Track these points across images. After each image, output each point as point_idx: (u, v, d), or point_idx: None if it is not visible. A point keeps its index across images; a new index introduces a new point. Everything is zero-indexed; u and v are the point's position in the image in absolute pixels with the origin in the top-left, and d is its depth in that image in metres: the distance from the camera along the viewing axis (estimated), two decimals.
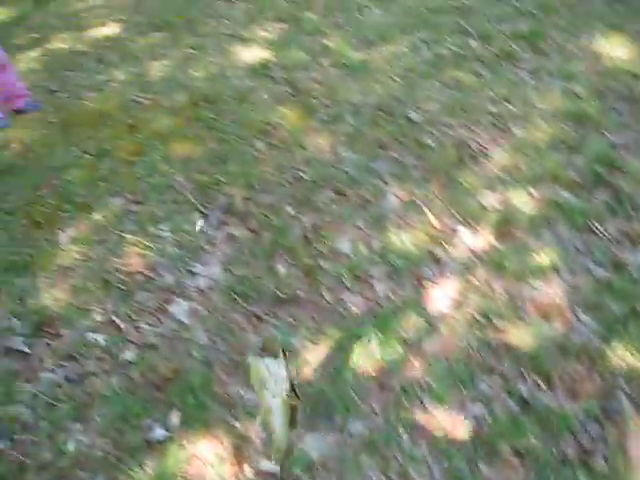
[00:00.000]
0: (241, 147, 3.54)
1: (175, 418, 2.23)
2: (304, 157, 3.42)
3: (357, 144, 3.49)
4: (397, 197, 3.10)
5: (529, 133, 3.49)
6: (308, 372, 2.34)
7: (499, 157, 3.32)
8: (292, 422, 1.57)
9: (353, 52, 4.48)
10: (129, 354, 2.48)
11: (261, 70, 4.35)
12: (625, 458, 2.02)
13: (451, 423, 2.16)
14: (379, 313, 2.53)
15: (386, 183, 3.19)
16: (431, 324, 2.49)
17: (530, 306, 2.53)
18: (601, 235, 2.82)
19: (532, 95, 3.82)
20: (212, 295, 2.69)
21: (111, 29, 5.48)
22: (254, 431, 2.14)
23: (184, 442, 2.15)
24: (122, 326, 2.59)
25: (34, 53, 5.27)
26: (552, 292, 2.58)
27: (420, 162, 3.31)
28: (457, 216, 2.96)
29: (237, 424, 2.18)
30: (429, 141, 3.44)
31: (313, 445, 2.11)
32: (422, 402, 2.23)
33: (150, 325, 2.59)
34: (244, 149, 3.52)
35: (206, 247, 2.92)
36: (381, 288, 2.64)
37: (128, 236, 3.01)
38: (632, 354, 2.31)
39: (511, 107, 3.71)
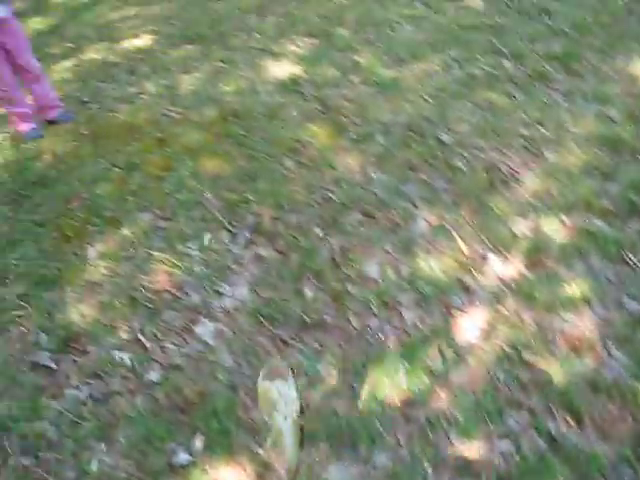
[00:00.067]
0: (270, 165, 3.54)
1: (199, 442, 2.22)
2: (333, 177, 3.41)
3: (387, 165, 3.46)
4: (426, 221, 3.07)
5: (562, 158, 3.43)
6: (333, 400, 2.31)
7: (531, 182, 3.27)
8: (302, 442, 1.56)
9: (384, 69, 4.46)
10: (154, 374, 2.48)
11: (291, 86, 4.36)
12: None
13: (477, 459, 2.12)
14: (406, 342, 2.50)
15: (416, 206, 3.16)
16: (459, 354, 2.45)
17: (560, 339, 2.48)
18: (635, 267, 2.75)
19: (565, 118, 3.76)
20: (238, 316, 2.68)
21: (143, 40, 5.54)
22: (278, 459, 2.12)
23: (207, 467, 2.14)
24: (148, 345, 2.59)
25: (68, 63, 5.35)
26: (583, 325, 2.52)
27: (450, 185, 3.28)
28: (487, 243, 2.92)
29: (260, 451, 2.16)
30: (460, 164, 3.40)
31: (337, 476, 2.08)
32: (448, 435, 2.19)
33: (176, 345, 2.59)
34: (273, 167, 3.52)
35: (233, 267, 2.92)
36: (409, 316, 2.60)
37: (156, 253, 3.02)
38: None
39: (544, 130, 3.65)
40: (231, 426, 2.24)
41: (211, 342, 2.59)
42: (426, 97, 4.05)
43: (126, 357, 2.56)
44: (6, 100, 4.11)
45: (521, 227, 3.00)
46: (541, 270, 2.77)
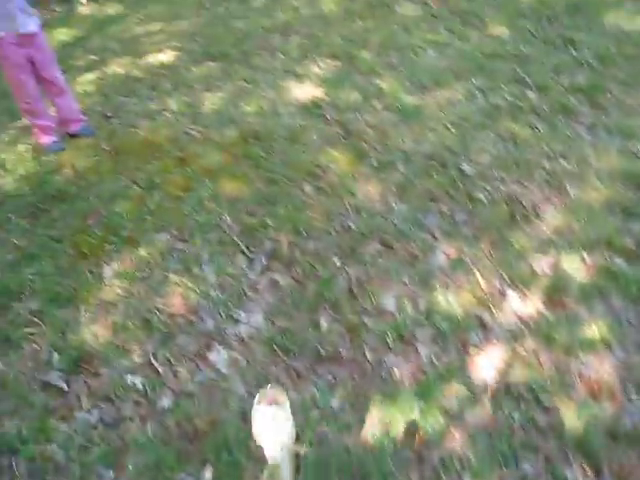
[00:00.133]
0: (289, 189, 3.53)
1: (208, 474, 2.19)
2: (353, 205, 3.38)
3: (407, 195, 3.44)
4: (445, 254, 3.04)
5: (584, 193, 3.40)
6: (345, 435, 2.28)
7: (552, 217, 3.23)
8: (298, 468, 1.54)
9: (407, 96, 4.45)
10: (166, 400, 2.46)
11: (313, 109, 4.35)
12: None
13: None
14: (422, 379, 2.46)
15: (435, 238, 3.13)
16: (474, 394, 2.41)
17: (578, 382, 2.43)
18: None
19: (589, 152, 3.73)
20: (252, 345, 2.65)
21: (167, 56, 5.57)
22: None
23: None
24: (160, 370, 2.57)
25: (91, 75, 5.39)
26: (602, 368, 2.47)
27: (471, 218, 3.25)
28: (506, 278, 2.88)
29: None
30: (481, 196, 3.37)
31: None
32: (461, 478, 2.15)
33: (188, 371, 2.57)
34: (292, 192, 3.51)
35: (249, 293, 2.89)
36: (425, 352, 2.57)
37: (172, 275, 3.01)
38: None
39: (566, 164, 3.62)
40: (241, 458, 2.21)
41: (224, 370, 2.56)
42: (449, 126, 4.03)
43: (138, 381, 2.54)
44: (29, 112, 4.14)
45: (541, 264, 2.96)
46: (560, 309, 2.73)
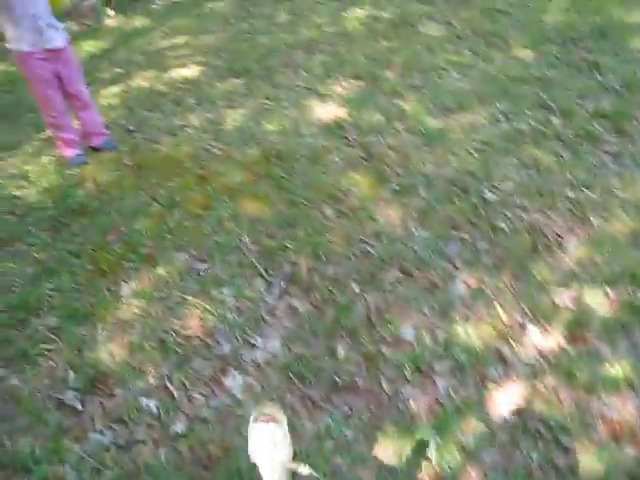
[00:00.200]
0: (310, 212, 3.50)
1: None
2: (373, 230, 3.36)
3: (428, 221, 3.40)
4: (466, 284, 3.00)
5: (608, 224, 3.34)
6: (359, 468, 2.25)
7: (574, 249, 3.18)
8: None
9: (429, 118, 4.41)
10: (180, 425, 2.45)
11: (336, 129, 4.33)
12: None
13: None
14: (439, 413, 2.43)
15: (456, 267, 3.09)
16: (492, 430, 2.37)
17: (600, 423, 2.38)
18: None
19: (613, 182, 3.66)
20: (268, 371, 2.63)
21: (191, 71, 5.59)
22: None
23: None
24: (175, 394, 2.56)
25: (116, 89, 5.42)
26: (625, 409, 2.42)
27: (492, 247, 3.21)
28: (527, 311, 2.83)
29: None
30: (503, 225, 3.33)
31: None
32: None
33: (203, 396, 2.56)
34: (313, 214, 3.49)
35: (266, 317, 2.88)
36: (443, 385, 2.53)
37: (189, 297, 3.00)
38: None
39: (590, 194, 3.56)
40: None
41: (239, 396, 2.54)
42: (471, 151, 3.99)
43: (152, 404, 2.53)
44: (54, 125, 4.16)
45: (563, 297, 2.91)
46: (582, 345, 2.68)
